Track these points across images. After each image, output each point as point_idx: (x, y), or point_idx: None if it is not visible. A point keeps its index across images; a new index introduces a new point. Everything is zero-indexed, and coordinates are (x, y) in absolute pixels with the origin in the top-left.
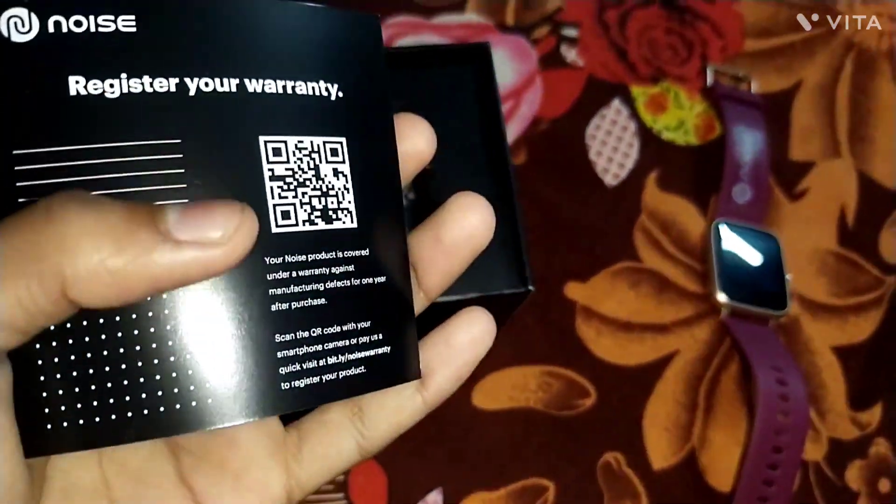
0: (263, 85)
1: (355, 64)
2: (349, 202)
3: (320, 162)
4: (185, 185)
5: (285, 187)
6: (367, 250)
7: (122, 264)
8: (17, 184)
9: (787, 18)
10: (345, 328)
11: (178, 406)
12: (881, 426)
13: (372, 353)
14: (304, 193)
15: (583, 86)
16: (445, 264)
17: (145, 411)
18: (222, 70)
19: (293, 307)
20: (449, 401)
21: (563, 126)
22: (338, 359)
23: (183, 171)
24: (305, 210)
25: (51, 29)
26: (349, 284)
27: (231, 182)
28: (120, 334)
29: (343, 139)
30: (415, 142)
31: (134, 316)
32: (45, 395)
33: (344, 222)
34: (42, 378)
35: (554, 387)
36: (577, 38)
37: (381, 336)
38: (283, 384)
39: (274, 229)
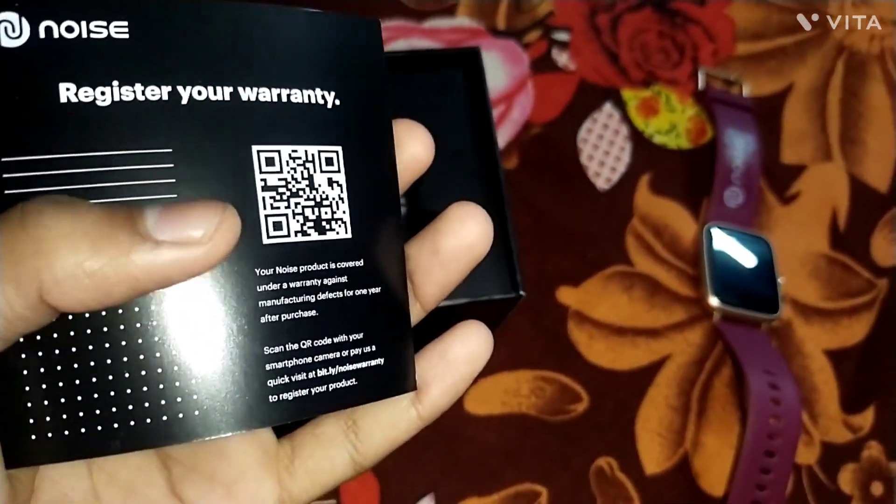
0: (258, 93)
1: (354, 71)
2: (344, 212)
3: (315, 171)
4: (175, 195)
5: (278, 197)
6: (362, 261)
7: (100, 266)
8: (6, 191)
9: (779, 22)
10: (336, 340)
11: (164, 417)
12: (873, 430)
13: (364, 365)
14: (297, 204)
15: (574, 90)
16: (442, 275)
17: (132, 422)
18: (215, 78)
19: (283, 319)
20: None
21: (554, 130)
22: (328, 371)
23: (174, 180)
24: (298, 221)
25: (42, 34)
26: (342, 296)
27: (222, 192)
28: (107, 344)
29: (339, 148)
30: (413, 149)
31: (122, 327)
32: (28, 404)
33: (338, 233)
34: (26, 387)
35: (547, 392)
36: (569, 42)
37: (374, 348)
38: (270, 397)
39: (265, 240)
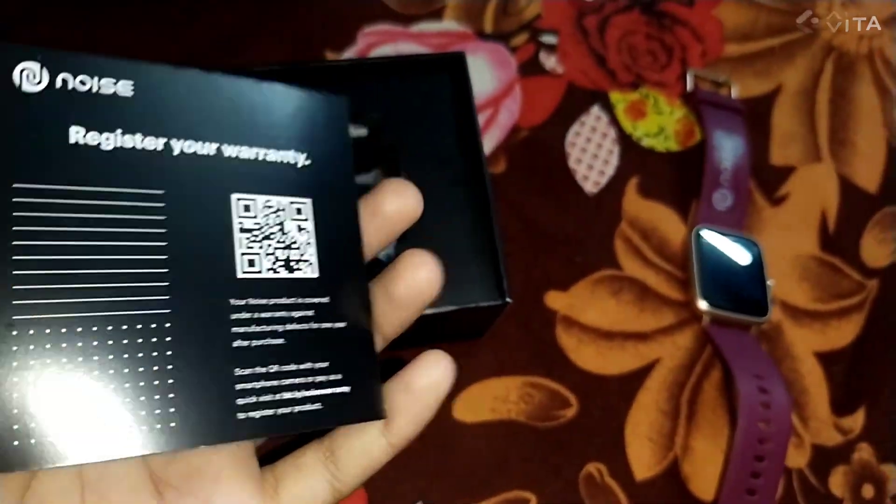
0: (238, 151)
1: (322, 138)
2: (311, 255)
3: (285, 219)
4: (164, 230)
5: (252, 238)
6: (328, 298)
7: None
8: (14, 213)
9: (767, 22)
10: (302, 367)
11: (143, 427)
12: (864, 432)
13: (330, 391)
14: (269, 245)
15: (562, 93)
16: (397, 317)
17: (125, 428)
18: (203, 136)
19: (253, 345)
20: None
21: (542, 134)
22: (294, 394)
23: (163, 217)
24: (269, 259)
25: (58, 84)
26: (308, 328)
27: (204, 231)
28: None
29: (308, 200)
30: (406, 202)
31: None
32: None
33: (305, 272)
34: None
35: (535, 398)
36: (556, 45)
37: (340, 376)
38: (239, 414)
39: (239, 275)
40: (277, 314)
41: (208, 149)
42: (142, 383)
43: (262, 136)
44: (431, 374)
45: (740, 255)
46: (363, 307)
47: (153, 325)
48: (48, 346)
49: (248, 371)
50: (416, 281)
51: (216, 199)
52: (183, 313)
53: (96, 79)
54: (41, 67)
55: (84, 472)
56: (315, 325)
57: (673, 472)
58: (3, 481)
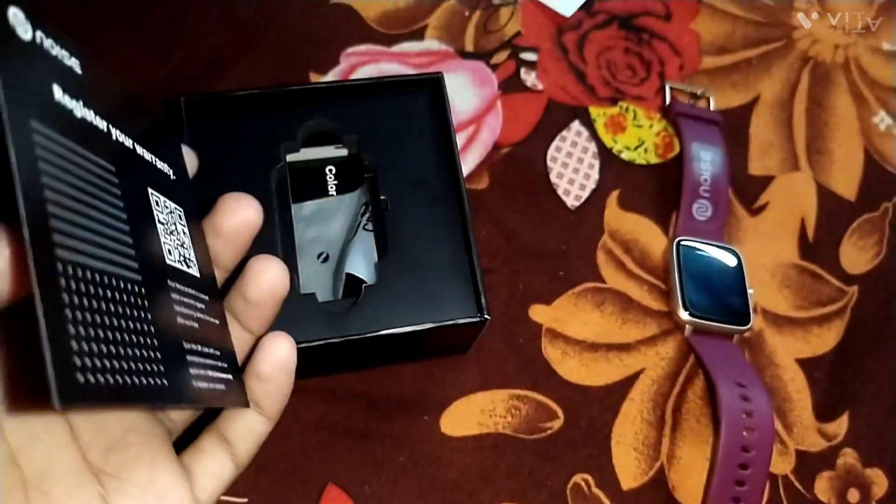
0: (143, 153)
1: (178, 159)
2: (192, 257)
3: (177, 220)
4: (122, 204)
5: (165, 231)
6: (207, 297)
7: None
8: (37, 153)
9: (743, 34)
10: (209, 351)
11: (159, 382)
12: (848, 437)
13: (223, 376)
14: (174, 240)
15: (543, 109)
16: (258, 315)
17: (151, 380)
18: (126, 130)
19: (187, 324)
20: (418, 429)
21: (524, 150)
22: (213, 373)
23: (120, 192)
24: (177, 252)
25: (37, 40)
26: (204, 318)
27: (142, 214)
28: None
29: (182, 209)
30: (245, 214)
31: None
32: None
33: (193, 270)
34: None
35: (522, 410)
36: (537, 62)
37: (225, 365)
38: (193, 382)
39: (167, 260)
40: (189, 301)
41: (129, 143)
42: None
43: (154, 144)
44: (274, 358)
45: (720, 265)
46: (222, 312)
47: (131, 287)
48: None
49: (190, 346)
50: (266, 283)
51: (143, 188)
52: (146, 282)
53: (58, 47)
54: (26, 18)
55: (25, 471)
56: (206, 318)
57: (659, 481)
58: None
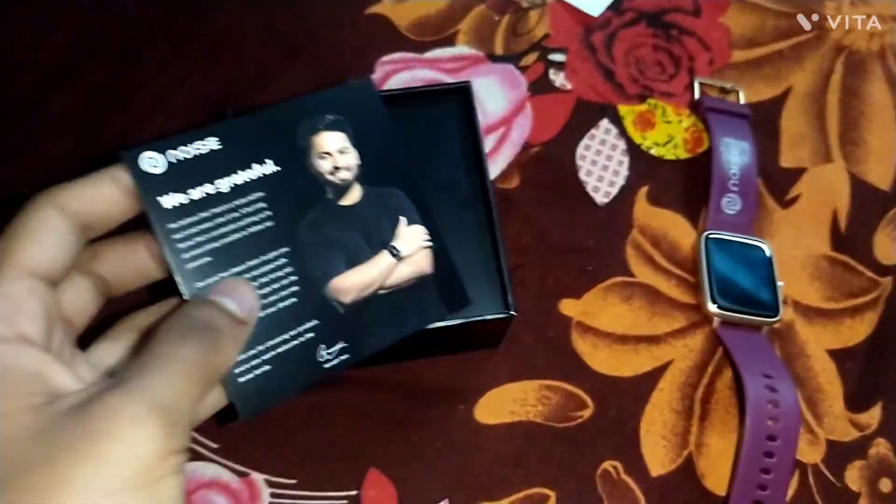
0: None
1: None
2: None
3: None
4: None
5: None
6: None
7: None
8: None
9: (774, 26)
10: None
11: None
12: (881, 427)
13: None
14: None
15: (571, 108)
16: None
17: None
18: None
19: None
20: (453, 417)
21: (553, 149)
22: None
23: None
24: None
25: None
26: None
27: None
28: None
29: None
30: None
31: None
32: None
33: None
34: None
35: (553, 400)
36: (565, 63)
37: None
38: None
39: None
40: None
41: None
42: None
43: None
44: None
45: (749, 258)
46: None
47: None
48: None
49: None
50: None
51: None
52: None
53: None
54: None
55: None
56: None
57: (688, 468)
58: None
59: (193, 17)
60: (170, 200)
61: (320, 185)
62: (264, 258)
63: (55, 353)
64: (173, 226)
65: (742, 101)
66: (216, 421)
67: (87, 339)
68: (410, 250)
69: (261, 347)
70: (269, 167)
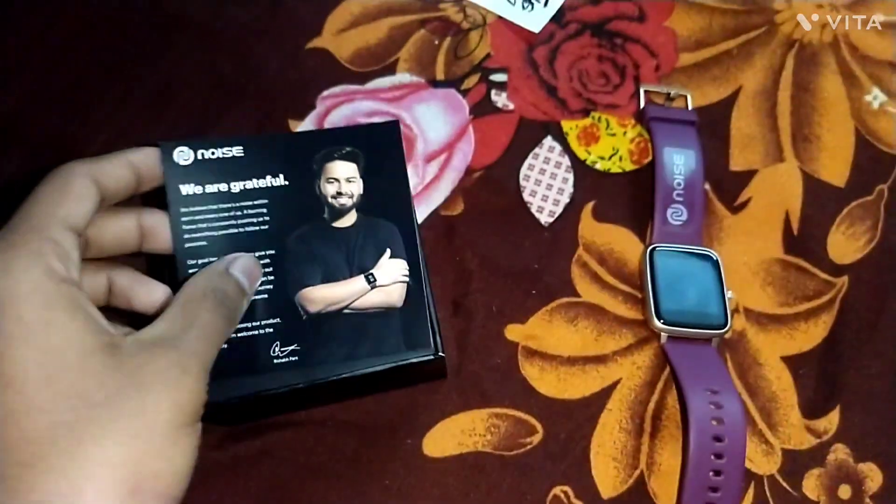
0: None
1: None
2: None
3: None
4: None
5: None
6: None
7: None
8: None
9: (721, 25)
10: None
11: None
12: (839, 432)
13: None
14: None
15: (514, 128)
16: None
17: None
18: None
19: None
20: (402, 452)
21: (497, 171)
22: None
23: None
24: None
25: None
26: None
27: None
28: None
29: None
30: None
31: None
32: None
33: None
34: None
35: (501, 428)
36: (506, 82)
37: None
38: None
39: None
40: None
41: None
42: None
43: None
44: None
45: (696, 270)
46: None
47: None
48: None
49: None
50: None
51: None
52: None
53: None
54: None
55: None
56: None
57: (639, 488)
58: None
59: (139, 65)
60: (187, 189)
61: (320, 206)
62: (252, 255)
63: None
64: (185, 210)
65: (690, 106)
66: None
67: None
68: (387, 281)
69: None
70: (280, 181)
